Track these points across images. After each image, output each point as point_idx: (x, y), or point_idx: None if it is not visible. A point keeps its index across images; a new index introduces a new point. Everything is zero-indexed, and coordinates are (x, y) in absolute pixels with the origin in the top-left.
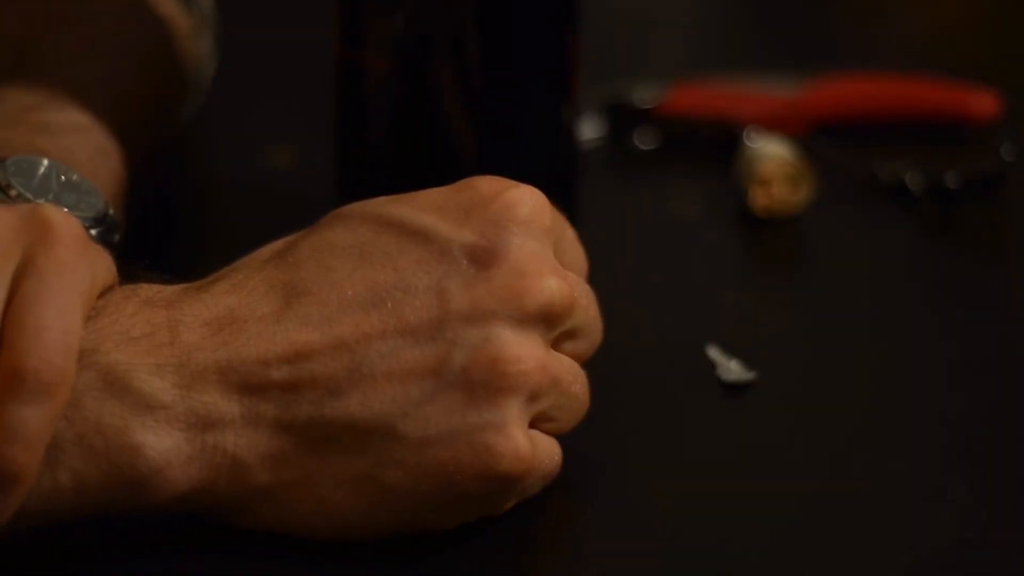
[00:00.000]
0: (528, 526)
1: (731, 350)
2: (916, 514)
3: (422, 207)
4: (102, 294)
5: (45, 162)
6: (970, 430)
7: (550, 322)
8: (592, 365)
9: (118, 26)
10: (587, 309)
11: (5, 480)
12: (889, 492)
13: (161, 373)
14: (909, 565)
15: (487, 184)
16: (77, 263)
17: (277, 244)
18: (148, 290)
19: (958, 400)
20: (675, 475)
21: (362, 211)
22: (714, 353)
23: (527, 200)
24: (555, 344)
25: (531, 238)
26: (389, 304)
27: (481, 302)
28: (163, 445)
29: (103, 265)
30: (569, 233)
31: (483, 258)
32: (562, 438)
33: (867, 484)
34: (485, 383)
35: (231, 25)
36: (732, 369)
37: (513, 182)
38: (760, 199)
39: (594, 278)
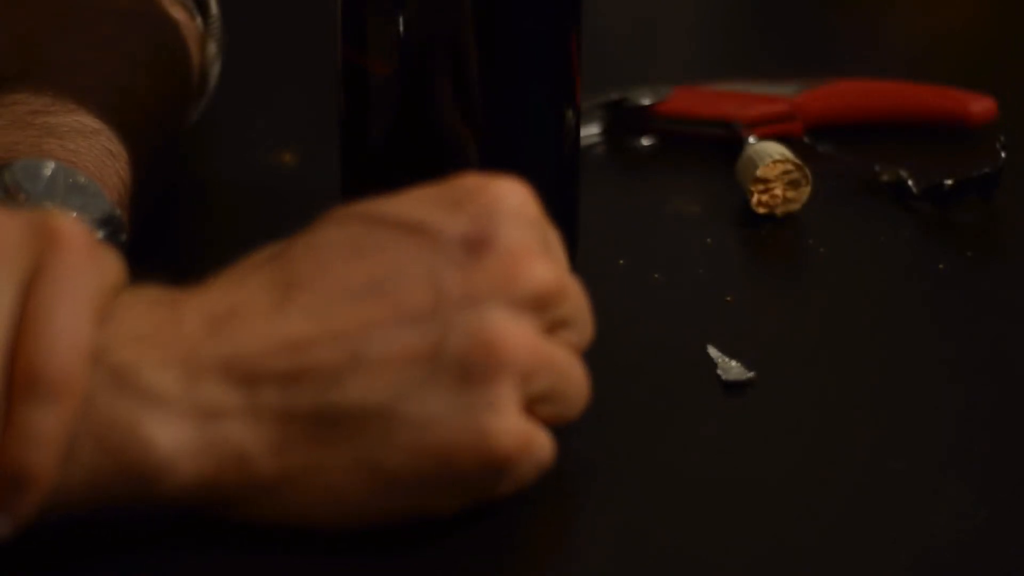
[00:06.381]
0: (527, 525)
1: (731, 350)
2: (916, 514)
3: (413, 203)
4: (113, 295)
5: (51, 164)
6: (970, 430)
7: (542, 306)
8: (592, 365)
9: (126, 29)
10: (578, 300)
11: (23, 484)
12: (889, 492)
13: (167, 367)
14: (909, 565)
15: (474, 179)
16: (87, 268)
17: (272, 247)
18: (153, 290)
19: (957, 400)
20: (675, 475)
21: (353, 211)
22: (714, 353)
23: (514, 192)
24: (548, 333)
25: (520, 227)
26: (385, 294)
27: (475, 287)
28: (172, 437)
29: (112, 268)
30: (552, 235)
31: (476, 246)
32: (561, 438)
33: (867, 484)
34: (479, 363)
35: (235, 27)
36: (732, 369)
37: (500, 176)
38: (760, 199)
39: (594, 278)
